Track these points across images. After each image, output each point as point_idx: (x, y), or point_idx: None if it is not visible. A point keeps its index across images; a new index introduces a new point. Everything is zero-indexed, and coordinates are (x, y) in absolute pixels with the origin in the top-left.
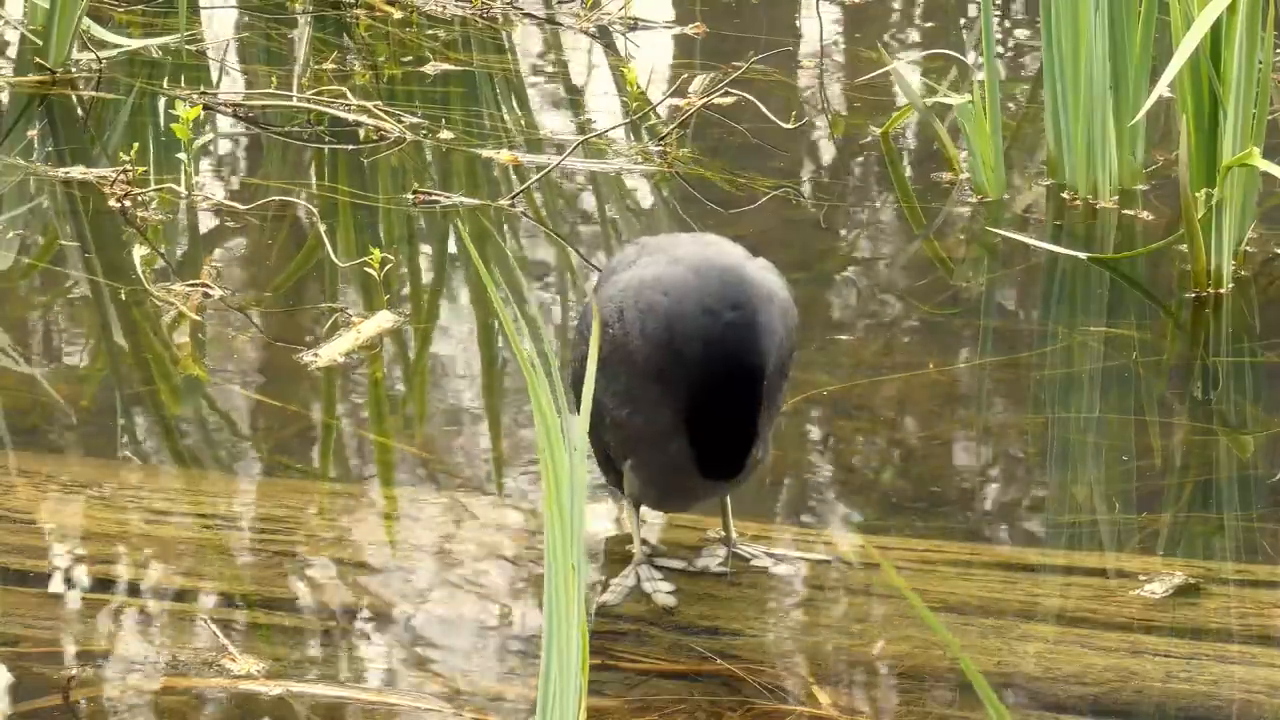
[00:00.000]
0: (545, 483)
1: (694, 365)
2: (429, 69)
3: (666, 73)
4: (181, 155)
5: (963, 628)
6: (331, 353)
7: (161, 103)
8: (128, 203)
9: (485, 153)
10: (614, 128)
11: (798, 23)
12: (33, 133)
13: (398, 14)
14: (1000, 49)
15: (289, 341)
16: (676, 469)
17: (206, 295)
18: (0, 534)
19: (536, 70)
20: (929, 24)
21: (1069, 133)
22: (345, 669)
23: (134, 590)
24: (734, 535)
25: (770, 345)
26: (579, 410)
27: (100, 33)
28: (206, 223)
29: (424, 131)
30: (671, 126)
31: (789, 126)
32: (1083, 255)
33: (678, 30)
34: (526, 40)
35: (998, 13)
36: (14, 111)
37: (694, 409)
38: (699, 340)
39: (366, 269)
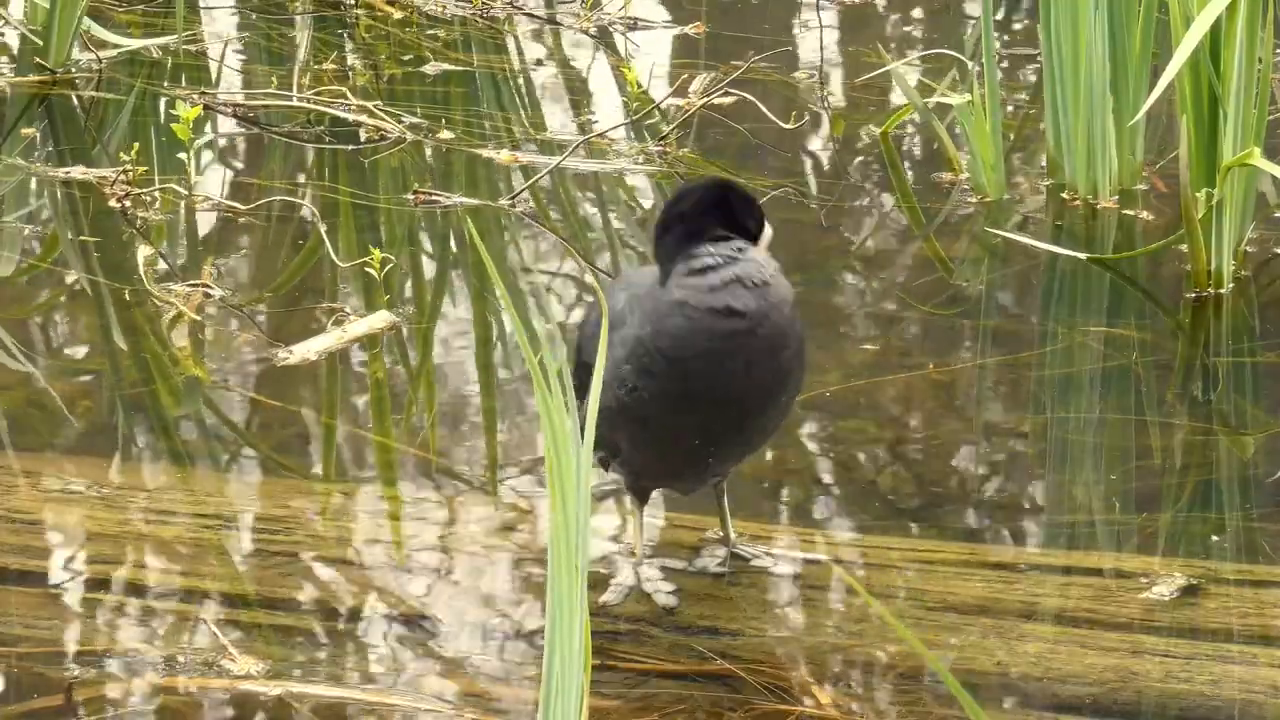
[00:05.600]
0: (550, 483)
1: (705, 382)
2: (429, 69)
3: (666, 73)
4: (182, 155)
5: (963, 628)
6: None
7: (162, 103)
8: (128, 203)
9: (485, 153)
10: (615, 128)
11: (797, 23)
12: (27, 131)
13: (398, 14)
14: (1000, 48)
15: (289, 341)
16: (661, 443)
17: (207, 295)
18: (0, 534)
19: (537, 70)
20: (929, 24)
21: (1069, 133)
22: (345, 669)
23: (134, 590)
24: (733, 535)
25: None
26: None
27: (100, 33)
28: (207, 223)
29: (424, 131)
30: (672, 126)
31: (789, 126)
32: (1083, 255)
33: (678, 30)
34: (526, 40)
35: (998, 13)
36: (14, 111)
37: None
38: (704, 362)
39: (367, 269)
